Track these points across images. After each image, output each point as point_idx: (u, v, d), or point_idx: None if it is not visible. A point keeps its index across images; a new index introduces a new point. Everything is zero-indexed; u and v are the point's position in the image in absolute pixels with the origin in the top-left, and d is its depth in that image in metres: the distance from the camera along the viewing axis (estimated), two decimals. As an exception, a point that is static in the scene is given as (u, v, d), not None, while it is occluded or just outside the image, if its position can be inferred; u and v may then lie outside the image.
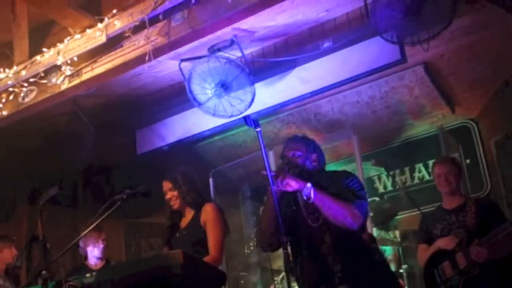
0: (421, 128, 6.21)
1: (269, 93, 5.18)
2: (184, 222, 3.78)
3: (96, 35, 4.80)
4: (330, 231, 2.96)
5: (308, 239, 3.02)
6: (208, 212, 3.67)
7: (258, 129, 3.00)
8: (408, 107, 5.68)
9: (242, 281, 6.70)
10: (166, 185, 3.80)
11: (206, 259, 3.47)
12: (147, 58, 4.49)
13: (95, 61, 4.81)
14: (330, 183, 3.07)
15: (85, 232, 4.35)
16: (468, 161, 6.02)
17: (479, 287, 3.82)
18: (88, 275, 2.91)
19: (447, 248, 3.93)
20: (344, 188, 3.05)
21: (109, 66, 4.78)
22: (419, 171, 6.30)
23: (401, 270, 5.54)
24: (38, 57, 5.14)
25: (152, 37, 4.50)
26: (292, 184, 2.94)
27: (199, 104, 4.92)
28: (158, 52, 4.53)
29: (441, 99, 5.54)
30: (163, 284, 2.93)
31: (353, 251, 2.96)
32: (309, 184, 2.93)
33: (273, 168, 5.66)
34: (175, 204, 3.76)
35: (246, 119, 3.01)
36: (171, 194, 3.76)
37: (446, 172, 4.12)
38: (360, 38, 4.63)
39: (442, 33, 4.15)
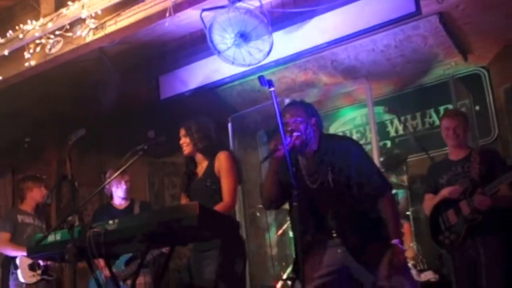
0: (433, 75, 6.14)
1: (287, 43, 5.17)
2: (200, 170, 3.78)
3: (120, -11, 4.78)
4: (328, 193, 3.04)
5: (307, 198, 3.05)
6: (222, 160, 3.64)
7: (272, 89, 3.00)
8: (422, 56, 5.61)
9: (258, 213, 6.87)
10: (181, 131, 3.80)
11: (219, 206, 3.49)
12: (167, 14, 4.47)
13: (118, 15, 4.80)
14: (344, 164, 3.08)
15: (109, 180, 4.48)
16: (477, 107, 5.97)
17: (481, 233, 3.87)
18: (110, 222, 3.01)
19: (452, 197, 3.98)
20: (365, 174, 3.08)
21: (131, 20, 4.77)
22: (430, 117, 6.28)
23: (408, 213, 5.63)
24: (63, 10, 5.14)
25: (173, -8, 4.45)
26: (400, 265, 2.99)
27: (219, 53, 4.92)
28: (178, 7, 4.53)
29: (454, 48, 5.45)
30: (180, 234, 3.02)
31: (353, 212, 3.03)
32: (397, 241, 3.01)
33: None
34: (186, 150, 3.75)
35: (260, 79, 3.00)
36: (183, 140, 3.76)
37: (455, 125, 4.12)
38: (377, -12, 4.60)
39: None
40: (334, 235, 3.04)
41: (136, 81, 6.00)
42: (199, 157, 3.79)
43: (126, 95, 5.98)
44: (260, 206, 6.88)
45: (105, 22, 4.90)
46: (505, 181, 3.80)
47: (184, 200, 3.83)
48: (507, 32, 5.29)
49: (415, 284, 3.05)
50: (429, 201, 4.21)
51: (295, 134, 3.07)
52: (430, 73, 6.09)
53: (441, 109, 6.09)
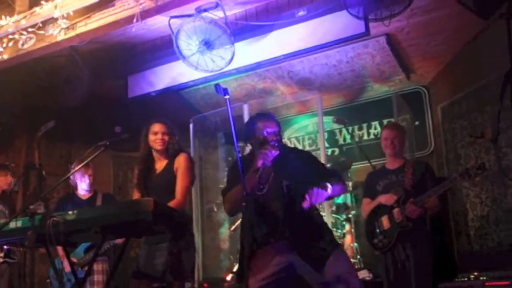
0: (379, 91, 6.30)
1: (248, 53, 5.22)
2: (159, 167, 3.75)
3: (91, -6, 4.77)
4: (282, 198, 3.05)
5: (260, 203, 3.06)
6: (181, 161, 3.66)
7: (227, 97, 3.00)
8: (370, 72, 5.77)
9: (215, 209, 6.88)
10: (161, 127, 3.73)
11: (172, 203, 3.50)
12: (134, 20, 4.48)
13: (88, 17, 4.78)
14: (308, 163, 3.15)
15: (72, 172, 4.41)
16: (417, 122, 6.15)
17: (411, 239, 3.97)
18: (70, 212, 3.00)
19: (387, 203, 4.07)
20: (322, 168, 3.22)
21: (101, 22, 4.75)
22: (375, 128, 6.43)
23: (350, 215, 5.74)
24: (37, 9, 5.08)
25: (141, 0, 4.49)
26: (324, 194, 2.95)
27: (184, 58, 4.95)
28: (146, 14, 4.53)
29: (398, 67, 5.63)
30: (136, 227, 3.04)
31: (303, 216, 3.03)
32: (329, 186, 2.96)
33: (245, 120, 5.78)
34: (160, 146, 3.71)
35: (216, 87, 3.00)
36: (162, 137, 3.70)
37: (393, 136, 4.20)
38: (331, 9, 4.67)
39: (402, 12, 4.24)
40: (286, 237, 3.03)
41: (106, 79, 5.97)
42: (161, 154, 3.77)
43: (96, 91, 5.92)
44: (218, 201, 6.97)
45: (76, 23, 4.86)
46: (434, 194, 3.92)
47: (136, 195, 3.79)
48: (445, 56, 5.47)
49: (359, 281, 3.07)
50: (366, 206, 4.29)
51: (276, 146, 3.03)
52: (376, 88, 6.24)
53: (385, 121, 6.24)
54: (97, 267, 4.70)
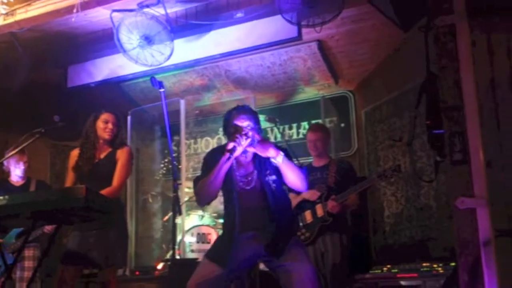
0: (309, 93, 6.41)
1: (187, 50, 5.21)
2: (100, 155, 3.71)
3: (33, -19, 4.62)
4: (257, 194, 3.01)
5: (239, 198, 3.04)
6: (124, 153, 3.67)
7: (162, 90, 3.00)
8: (301, 75, 5.88)
9: (150, 200, 6.82)
10: (112, 118, 3.70)
11: (109, 189, 3.50)
12: (74, 10, 4.39)
13: (29, 4, 4.63)
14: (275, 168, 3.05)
15: (6, 157, 4.24)
16: (342, 124, 6.31)
17: (331, 232, 4.09)
18: (1, 197, 2.90)
19: (311, 199, 4.18)
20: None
21: (42, 10, 4.62)
22: (304, 128, 6.52)
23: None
24: (-23, -6, 4.86)
25: (82, -9, 4.38)
26: (271, 151, 2.90)
27: (124, 51, 4.90)
28: (86, 5, 4.45)
29: (328, 72, 5.76)
30: (67, 215, 2.97)
31: (276, 210, 3.01)
32: (281, 152, 2.94)
33: (182, 115, 5.74)
34: (109, 136, 3.68)
35: (152, 80, 3.00)
36: (112, 127, 3.68)
37: (315, 139, 4.32)
38: (267, 13, 4.74)
39: (332, 20, 4.35)
40: (258, 228, 3.01)
41: (46, 67, 5.77)
42: (105, 144, 3.73)
43: (36, 79, 5.73)
44: (153, 193, 6.91)
45: (15, 9, 4.69)
46: (354, 192, 4.07)
47: (70, 177, 3.72)
48: (370, 64, 5.65)
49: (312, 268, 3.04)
50: (292, 200, 4.37)
51: (246, 138, 2.93)
52: (307, 91, 6.35)
53: (313, 122, 6.35)
54: (28, 253, 4.58)
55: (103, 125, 3.69)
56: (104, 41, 5.34)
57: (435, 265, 4.05)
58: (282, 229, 3.00)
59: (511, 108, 2.54)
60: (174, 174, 3.16)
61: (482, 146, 2.49)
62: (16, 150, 3.72)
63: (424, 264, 4.18)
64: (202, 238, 5.77)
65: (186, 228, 5.82)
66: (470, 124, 2.56)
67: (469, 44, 2.58)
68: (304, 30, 4.71)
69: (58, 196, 2.86)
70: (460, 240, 2.33)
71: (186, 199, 5.89)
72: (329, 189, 4.14)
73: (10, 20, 4.74)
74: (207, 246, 5.68)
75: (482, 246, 2.27)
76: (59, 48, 5.48)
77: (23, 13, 4.70)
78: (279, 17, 4.48)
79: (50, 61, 5.75)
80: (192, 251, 5.71)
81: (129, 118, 6.35)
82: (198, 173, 6.44)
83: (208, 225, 5.84)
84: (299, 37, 4.71)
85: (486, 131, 2.54)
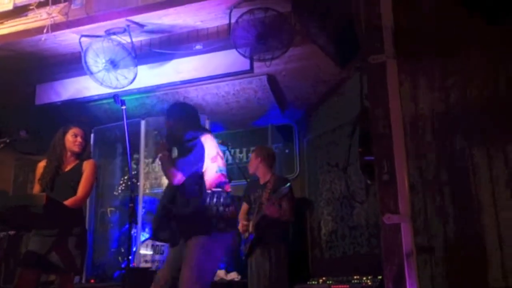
0: (258, 121, 6.38)
1: (149, 76, 5.14)
2: (67, 167, 3.60)
3: (5, 2, 4.48)
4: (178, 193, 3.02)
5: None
6: (89, 165, 3.58)
7: (124, 107, 2.95)
8: (252, 105, 5.85)
9: (109, 213, 6.61)
10: (81, 132, 3.66)
11: (72, 199, 3.38)
12: (45, 31, 4.28)
13: (1, 23, 4.48)
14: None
15: None
16: (287, 151, 6.34)
17: (270, 246, 4.13)
18: None
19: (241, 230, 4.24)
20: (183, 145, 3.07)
21: (13, 29, 4.48)
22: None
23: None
24: (-51, 9, 4.64)
25: (53, 14, 4.28)
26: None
27: (91, 74, 4.79)
28: (57, 27, 4.35)
29: (276, 103, 5.79)
30: (26, 220, 2.83)
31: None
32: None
33: (142, 135, 5.62)
34: (78, 149, 3.60)
35: (115, 97, 2.94)
36: (81, 140, 3.61)
37: (253, 157, 4.47)
38: (223, 47, 4.73)
39: (281, 56, 4.41)
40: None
41: (15, 85, 5.54)
42: (72, 156, 3.62)
43: (5, 94, 5.50)
44: (112, 208, 6.69)
45: (-13, 27, 4.51)
46: (277, 197, 4.07)
47: (36, 189, 3.57)
48: (312, 98, 5.73)
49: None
50: (242, 211, 4.41)
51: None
52: (257, 119, 6.35)
53: (260, 146, 6.34)
54: None
55: (73, 138, 3.62)
56: (72, 63, 5.19)
57: (364, 278, 4.08)
58: (182, 217, 2.97)
59: (431, 139, 2.61)
60: (131, 186, 3.07)
61: (406, 170, 2.54)
62: None
63: (355, 277, 4.20)
64: (156, 249, 5.61)
65: (141, 239, 5.64)
66: (396, 150, 2.61)
67: (396, 80, 2.65)
68: (255, 64, 4.74)
69: (18, 201, 2.74)
70: (386, 252, 2.34)
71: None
72: (261, 204, 4.14)
73: (-18, 37, 4.54)
74: (162, 257, 5.53)
75: (405, 258, 2.28)
76: (29, 67, 5.29)
77: (-5, 31, 4.52)
78: (233, 51, 4.49)
79: (20, 79, 5.53)
80: (146, 261, 5.53)
81: (92, 135, 6.16)
82: (156, 190, 6.31)
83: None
84: (251, 70, 4.74)
85: (409, 158, 2.60)
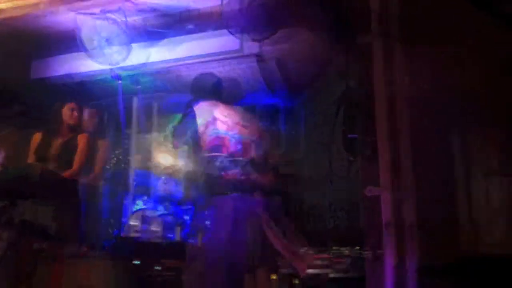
0: (247, 102, 6.33)
1: (142, 53, 5.07)
2: (61, 139, 3.63)
3: (1, -23, 4.35)
4: None
5: None
6: (83, 138, 3.72)
7: (120, 82, 2.95)
8: (242, 85, 5.81)
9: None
10: (76, 106, 3.81)
11: (69, 171, 3.40)
12: (41, 7, 4.26)
13: (-2, -3, 4.36)
14: None
15: None
16: (274, 130, 6.34)
17: None
18: None
19: None
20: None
21: (9, 5, 4.41)
22: (241, 130, 6.50)
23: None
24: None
25: (50, -10, 4.18)
26: None
27: (86, 50, 4.72)
28: (53, 4, 4.30)
29: (264, 83, 5.75)
30: (22, 190, 2.83)
31: None
32: None
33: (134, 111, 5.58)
34: (74, 122, 3.66)
35: (111, 72, 2.94)
36: (74, 114, 3.65)
37: None
38: (215, 27, 4.71)
39: (271, 36, 4.38)
40: None
41: (11, 60, 5.42)
42: (67, 129, 3.61)
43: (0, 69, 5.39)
44: (103, 181, 6.65)
45: (-16, 2, 4.39)
46: None
47: (32, 159, 3.56)
48: (300, 78, 5.67)
49: None
50: None
51: None
52: (246, 99, 6.25)
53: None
54: None
55: (69, 112, 3.66)
56: (68, 40, 5.08)
57: (343, 248, 4.15)
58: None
59: (412, 118, 2.64)
60: (124, 160, 3.09)
61: (388, 146, 2.58)
62: None
63: (334, 248, 4.27)
64: (144, 220, 5.61)
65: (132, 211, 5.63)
66: (379, 128, 2.65)
67: (382, 61, 2.66)
68: (245, 45, 4.72)
69: (15, 172, 2.73)
70: (367, 222, 2.39)
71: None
72: None
73: (-21, 12, 4.43)
74: (150, 227, 5.54)
75: (384, 228, 2.33)
76: (25, 43, 5.17)
77: (-8, 6, 4.40)
78: (225, 31, 4.46)
79: (15, 55, 5.42)
80: (136, 231, 5.53)
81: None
82: (146, 164, 6.28)
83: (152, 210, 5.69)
84: (240, 50, 4.70)
85: (391, 135, 2.63)
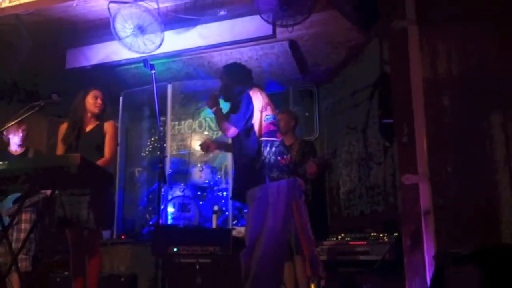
0: (280, 86, 6.39)
1: (175, 41, 5.15)
2: (89, 127, 3.65)
3: (36, -32, 4.48)
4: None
5: None
6: (111, 126, 3.65)
7: (153, 71, 3.00)
8: (274, 69, 5.84)
9: (136, 174, 6.79)
10: (100, 94, 3.69)
11: (101, 161, 3.46)
12: (75, -3, 4.29)
13: (33, -11, 4.50)
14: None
15: (6, 127, 4.08)
16: (307, 113, 6.35)
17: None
18: (1, 163, 2.79)
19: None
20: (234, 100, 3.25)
21: (42, -5, 4.49)
22: (276, 116, 6.54)
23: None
24: (-16, -24, 4.71)
25: (83, -21, 4.28)
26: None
27: (119, 39, 4.83)
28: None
29: (297, 68, 5.78)
30: (61, 180, 2.89)
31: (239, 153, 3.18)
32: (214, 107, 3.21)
33: (168, 98, 5.72)
34: (97, 110, 3.65)
35: (144, 62, 2.98)
36: (99, 102, 3.64)
37: (279, 118, 4.29)
38: (247, 12, 4.74)
39: (303, 22, 4.37)
40: None
41: (46, 50, 5.62)
42: (92, 117, 3.67)
43: (36, 59, 5.58)
44: (139, 168, 6.87)
45: (20, -7, 4.55)
46: (318, 161, 4.12)
47: (60, 149, 3.64)
48: (333, 63, 5.69)
49: None
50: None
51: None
52: (279, 83, 6.34)
53: (282, 110, 6.36)
54: (25, 216, 4.39)
55: (93, 100, 3.66)
56: (101, 29, 5.22)
57: (381, 234, 4.17)
58: (239, 172, 3.11)
59: (450, 103, 2.63)
60: (161, 148, 3.15)
61: (425, 132, 2.58)
62: (17, 120, 3.60)
63: (372, 234, 4.29)
64: (182, 207, 5.76)
65: (169, 198, 5.80)
66: (416, 114, 2.65)
67: (418, 46, 2.65)
68: (278, 30, 4.73)
69: (54, 162, 2.78)
70: (404, 210, 2.41)
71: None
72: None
73: (15, 2, 4.62)
74: (187, 215, 5.70)
75: (423, 216, 2.35)
76: (60, 33, 5.34)
77: (28, -3, 4.54)
78: (257, 16, 4.46)
79: (51, 44, 5.60)
80: (173, 219, 5.70)
81: (121, 99, 6.26)
82: (182, 151, 6.44)
83: (188, 196, 5.84)
84: (273, 35, 4.73)
85: (429, 121, 2.63)
